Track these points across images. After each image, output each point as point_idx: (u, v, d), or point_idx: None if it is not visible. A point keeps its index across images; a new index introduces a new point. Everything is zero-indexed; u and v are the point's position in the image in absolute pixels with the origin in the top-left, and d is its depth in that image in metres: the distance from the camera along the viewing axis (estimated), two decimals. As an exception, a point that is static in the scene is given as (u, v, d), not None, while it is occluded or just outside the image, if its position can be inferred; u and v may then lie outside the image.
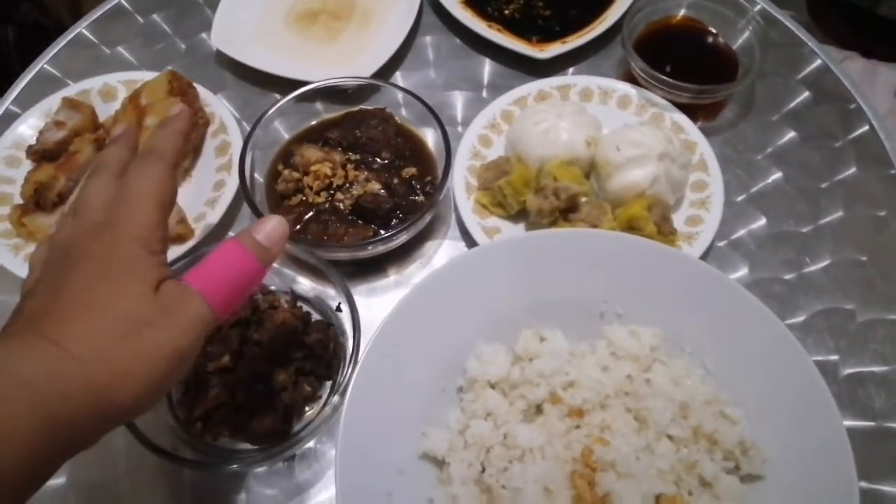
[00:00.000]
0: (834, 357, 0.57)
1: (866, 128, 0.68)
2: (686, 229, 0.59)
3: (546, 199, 0.59)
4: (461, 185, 0.63)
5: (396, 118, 0.65)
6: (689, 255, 0.56)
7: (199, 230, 0.60)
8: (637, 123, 0.61)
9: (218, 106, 0.68)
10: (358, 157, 0.63)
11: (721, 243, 0.62)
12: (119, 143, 0.43)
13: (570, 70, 0.73)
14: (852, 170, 0.66)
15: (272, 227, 0.41)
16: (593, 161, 0.62)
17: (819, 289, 0.60)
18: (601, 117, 0.65)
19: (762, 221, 0.63)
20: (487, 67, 0.74)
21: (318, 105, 0.67)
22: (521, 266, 0.54)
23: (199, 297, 0.37)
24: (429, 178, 0.62)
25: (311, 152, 0.62)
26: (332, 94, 0.66)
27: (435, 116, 0.61)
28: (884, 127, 0.68)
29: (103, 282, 0.35)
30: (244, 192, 0.58)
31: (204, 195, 0.63)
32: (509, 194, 0.60)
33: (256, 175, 0.62)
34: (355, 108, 0.66)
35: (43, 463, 0.31)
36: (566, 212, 0.60)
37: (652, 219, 0.56)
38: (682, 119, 0.65)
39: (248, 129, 0.62)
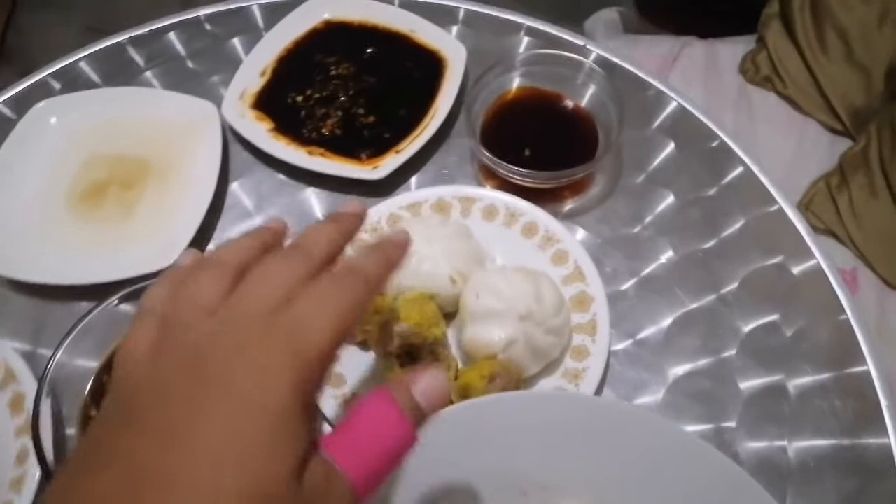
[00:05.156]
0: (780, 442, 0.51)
1: (740, 169, 0.63)
2: (572, 364, 0.52)
3: (383, 340, 0.50)
4: None
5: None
6: (616, 402, 0.49)
7: (6, 530, 0.47)
8: (512, 269, 0.52)
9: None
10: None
11: (625, 343, 0.55)
12: (251, 235, 0.32)
13: (413, 179, 0.64)
14: (737, 216, 0.60)
15: (431, 383, 0.30)
16: (460, 300, 0.53)
17: (742, 368, 0.54)
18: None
19: (661, 306, 0.57)
20: (320, 199, 0.64)
21: (132, 309, 0.55)
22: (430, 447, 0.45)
23: (345, 484, 0.26)
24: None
25: (129, 384, 0.50)
26: (139, 294, 0.54)
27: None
28: (757, 160, 0.63)
29: (231, 454, 0.24)
30: (42, 471, 0.45)
31: (4, 474, 0.50)
32: None
33: (68, 430, 0.50)
34: (173, 305, 0.54)
35: None
36: (404, 357, 0.51)
37: (493, 392, 0.48)
38: (556, 227, 0.57)
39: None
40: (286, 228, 0.34)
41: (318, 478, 0.26)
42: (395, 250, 0.33)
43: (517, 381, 0.50)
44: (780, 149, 1.02)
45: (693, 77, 1.10)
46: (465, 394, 0.49)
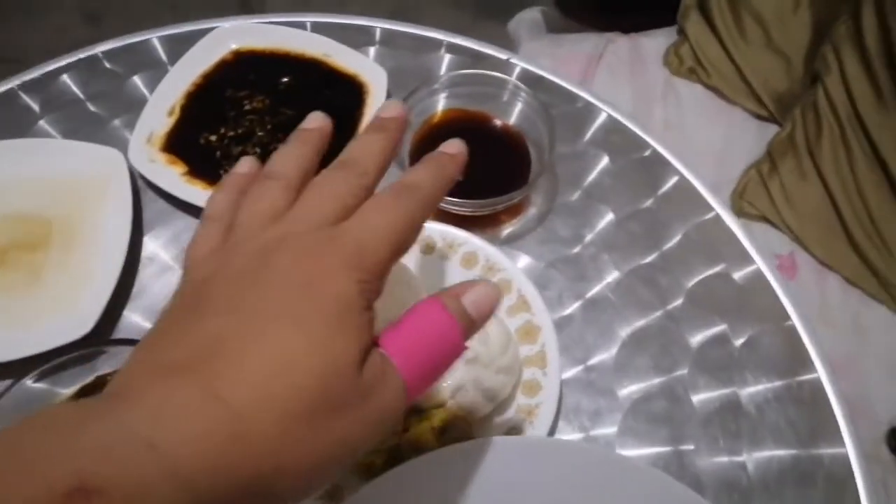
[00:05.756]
0: (739, 458, 0.50)
1: (675, 178, 0.62)
2: (525, 401, 0.50)
3: None
4: None
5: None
6: (565, 441, 0.47)
7: None
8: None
9: None
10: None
11: (576, 369, 0.54)
12: (302, 141, 0.32)
13: (343, 214, 0.61)
14: (676, 227, 0.59)
15: (482, 292, 0.31)
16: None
17: (696, 384, 0.53)
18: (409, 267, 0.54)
19: (609, 327, 0.55)
20: (245, 245, 0.60)
21: (47, 386, 0.50)
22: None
23: (399, 379, 0.27)
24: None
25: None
26: (59, 369, 0.49)
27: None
28: (689, 166, 0.62)
29: (301, 333, 0.25)
30: None
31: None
32: None
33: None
34: (90, 380, 0.50)
35: None
36: None
37: (445, 442, 0.45)
38: (497, 255, 0.54)
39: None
40: (329, 123, 0.34)
41: (376, 369, 0.27)
42: (450, 163, 0.34)
43: (469, 425, 0.48)
44: (709, 140, 1.03)
45: (619, 74, 1.09)
46: (416, 447, 0.46)
